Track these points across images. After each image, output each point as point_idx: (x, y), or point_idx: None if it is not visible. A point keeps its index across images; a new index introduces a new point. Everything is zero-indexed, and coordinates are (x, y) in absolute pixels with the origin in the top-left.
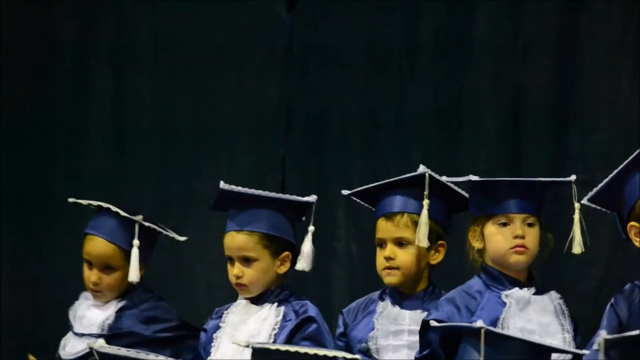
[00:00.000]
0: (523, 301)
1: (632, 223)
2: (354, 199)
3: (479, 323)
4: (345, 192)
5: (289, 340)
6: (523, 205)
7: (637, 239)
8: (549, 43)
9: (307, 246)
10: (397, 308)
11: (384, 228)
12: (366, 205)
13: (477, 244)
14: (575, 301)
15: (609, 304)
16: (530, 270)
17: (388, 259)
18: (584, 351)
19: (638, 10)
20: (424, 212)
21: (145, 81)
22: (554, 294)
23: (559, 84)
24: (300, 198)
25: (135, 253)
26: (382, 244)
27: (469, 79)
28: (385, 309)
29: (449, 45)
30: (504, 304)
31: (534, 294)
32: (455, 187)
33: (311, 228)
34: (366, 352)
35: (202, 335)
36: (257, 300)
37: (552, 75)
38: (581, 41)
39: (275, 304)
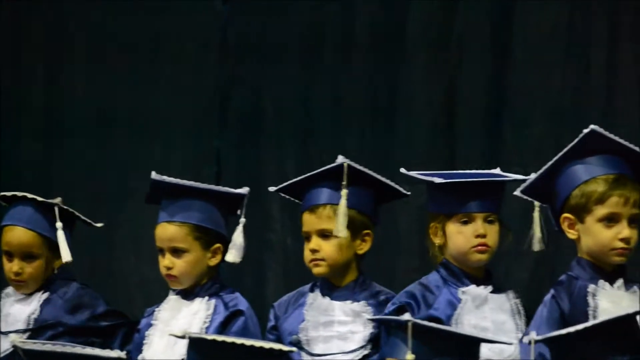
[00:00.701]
0: (480, 298)
1: (566, 215)
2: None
3: (407, 316)
4: (272, 188)
5: (219, 333)
6: (484, 204)
7: (571, 231)
8: (482, 37)
9: (238, 238)
10: (327, 299)
11: (308, 221)
12: (296, 200)
13: (437, 241)
14: None
15: (549, 295)
16: (488, 267)
17: (313, 251)
18: (511, 340)
19: (569, 5)
20: (342, 202)
21: (79, 73)
22: (511, 294)
23: (492, 77)
24: (231, 190)
25: (61, 234)
26: (307, 236)
27: (403, 72)
28: (315, 300)
29: (384, 38)
30: (460, 300)
31: (492, 292)
32: (380, 177)
33: (242, 220)
34: (297, 344)
35: (136, 335)
36: (188, 294)
37: (485, 69)
38: (514, 35)
39: (206, 297)
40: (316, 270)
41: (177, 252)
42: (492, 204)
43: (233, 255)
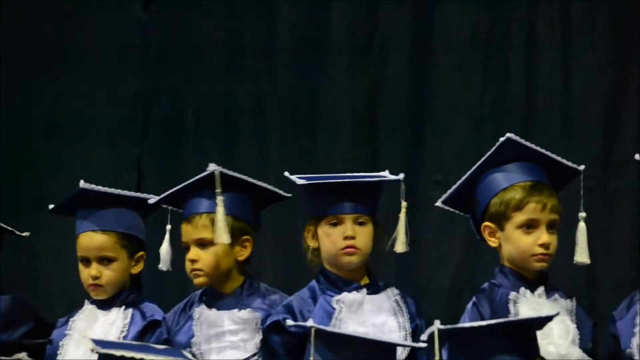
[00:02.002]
0: (356, 304)
1: (486, 223)
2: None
3: (310, 322)
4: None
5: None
6: (353, 205)
7: (492, 239)
8: (404, 43)
9: (165, 246)
10: (213, 311)
11: (186, 231)
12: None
13: (312, 244)
14: (428, 299)
15: (471, 303)
16: (369, 268)
17: (192, 261)
18: (421, 344)
19: (489, 13)
20: (219, 210)
21: None
22: (391, 291)
23: (413, 83)
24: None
25: None
26: (186, 247)
27: (325, 78)
28: (202, 314)
29: (306, 44)
30: (334, 309)
31: (371, 293)
32: (255, 181)
33: (168, 227)
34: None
35: (48, 347)
36: (105, 304)
37: (407, 75)
38: (435, 41)
39: (123, 307)
40: (197, 281)
41: (104, 261)
42: (362, 205)
43: (162, 263)
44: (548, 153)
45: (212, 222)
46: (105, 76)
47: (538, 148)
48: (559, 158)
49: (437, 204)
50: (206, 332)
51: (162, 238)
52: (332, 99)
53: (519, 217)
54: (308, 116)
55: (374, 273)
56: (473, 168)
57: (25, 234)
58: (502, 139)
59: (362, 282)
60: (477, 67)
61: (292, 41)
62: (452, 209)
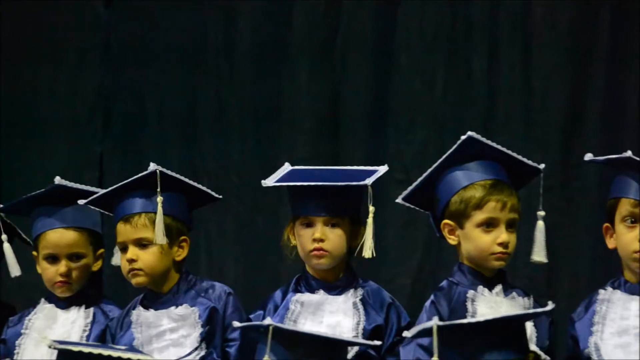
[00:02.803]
0: (313, 304)
1: (446, 221)
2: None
3: (268, 320)
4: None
5: (100, 342)
6: (323, 208)
7: (451, 237)
8: (366, 42)
9: None
10: (150, 311)
11: (124, 231)
12: (104, 211)
13: (293, 242)
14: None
15: (429, 301)
16: (346, 268)
17: (131, 261)
18: (375, 342)
19: (451, 13)
20: (159, 210)
21: None
22: (353, 292)
23: (375, 83)
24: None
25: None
26: (124, 247)
27: (287, 77)
28: (140, 316)
29: (267, 43)
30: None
31: (336, 293)
32: (192, 182)
33: None
34: None
35: (2, 347)
36: (64, 302)
37: (368, 75)
38: (397, 40)
39: (84, 306)
40: (135, 281)
41: (74, 257)
42: (333, 207)
43: (116, 259)
44: (509, 152)
45: (152, 221)
46: (66, 73)
47: (499, 146)
48: (519, 157)
49: (397, 200)
50: (146, 333)
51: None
52: (294, 98)
53: (479, 216)
54: (269, 115)
55: (351, 273)
56: (434, 165)
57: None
58: (463, 137)
59: (335, 282)
60: (438, 66)
61: (253, 40)
62: (412, 206)
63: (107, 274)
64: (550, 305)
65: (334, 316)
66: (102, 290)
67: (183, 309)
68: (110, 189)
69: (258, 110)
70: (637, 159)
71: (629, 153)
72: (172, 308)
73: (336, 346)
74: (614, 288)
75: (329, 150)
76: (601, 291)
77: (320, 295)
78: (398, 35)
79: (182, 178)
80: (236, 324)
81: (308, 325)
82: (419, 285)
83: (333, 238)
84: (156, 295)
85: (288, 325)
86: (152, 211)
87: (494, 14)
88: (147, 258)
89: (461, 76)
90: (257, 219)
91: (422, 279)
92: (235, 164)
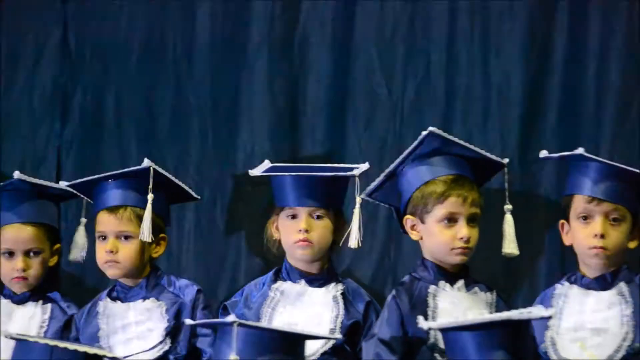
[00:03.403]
0: (293, 294)
1: (408, 216)
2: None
3: (231, 317)
4: (63, 183)
5: (59, 338)
6: (308, 199)
7: (413, 232)
8: (325, 37)
9: (80, 237)
10: (118, 303)
11: (107, 221)
12: (85, 197)
13: (276, 235)
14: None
15: (390, 296)
16: (328, 262)
17: (110, 252)
18: (337, 336)
19: (410, 8)
20: (149, 207)
21: None
22: (334, 286)
23: (335, 79)
24: (73, 190)
25: None
26: (104, 236)
27: (246, 73)
28: (106, 307)
29: (225, 39)
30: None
31: (317, 285)
32: (177, 181)
33: (83, 220)
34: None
35: None
36: (20, 298)
37: (328, 71)
38: (355, 36)
39: (40, 301)
40: (111, 272)
41: (31, 253)
42: (319, 199)
43: (74, 255)
44: (472, 147)
45: (137, 216)
46: (24, 67)
47: (460, 141)
48: (483, 152)
49: (361, 196)
50: (112, 325)
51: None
52: (253, 94)
53: (440, 211)
54: (228, 111)
55: (332, 266)
56: (396, 161)
57: None
58: (424, 132)
59: (317, 274)
60: (398, 61)
61: (212, 35)
62: (376, 202)
63: (64, 269)
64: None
65: (313, 307)
66: (59, 285)
67: (150, 303)
68: (99, 176)
69: (217, 106)
70: (589, 155)
71: (580, 150)
72: (140, 301)
73: (299, 340)
74: (570, 283)
75: (289, 145)
76: (558, 286)
77: (302, 285)
78: (357, 31)
79: (171, 177)
80: (188, 321)
81: (286, 314)
82: (379, 280)
83: (318, 229)
84: (125, 288)
85: (271, 322)
86: (137, 205)
87: (453, 8)
88: (127, 252)
89: (420, 71)
90: (215, 214)
91: (381, 274)
92: (194, 160)
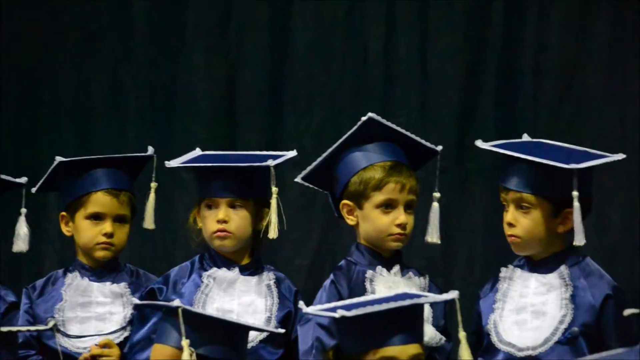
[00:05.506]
0: (226, 281)
1: (345, 201)
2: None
3: (176, 302)
4: (59, 158)
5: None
6: (226, 190)
7: (350, 217)
8: (262, 23)
9: (22, 228)
10: (85, 280)
11: (107, 202)
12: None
13: (199, 224)
14: (290, 277)
15: (328, 280)
16: (254, 250)
17: (110, 235)
18: (279, 330)
19: None
20: (152, 195)
21: None
22: (266, 274)
23: (272, 64)
24: (10, 178)
25: None
26: (100, 217)
27: (183, 60)
28: (74, 280)
29: (162, 26)
30: (202, 283)
31: (248, 274)
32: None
33: (23, 210)
34: (53, 327)
35: None
36: None
37: (265, 55)
38: (293, 22)
39: None
40: (104, 254)
41: None
42: (237, 189)
43: (18, 246)
44: (407, 133)
45: (129, 200)
46: None
47: (398, 128)
48: (417, 138)
49: (297, 179)
50: (74, 299)
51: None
52: (190, 81)
53: (378, 197)
54: (166, 97)
55: (258, 255)
56: (334, 145)
57: None
58: (363, 118)
59: (243, 263)
60: (336, 48)
61: (149, 23)
62: (311, 186)
63: (3, 259)
64: (451, 294)
65: (247, 295)
66: None
67: (117, 287)
68: (94, 157)
69: (154, 93)
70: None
71: (480, 145)
72: (108, 283)
73: (241, 331)
74: (514, 266)
75: (226, 132)
76: (503, 269)
77: (235, 273)
78: (295, 17)
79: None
80: (135, 300)
81: (218, 301)
82: (317, 266)
83: (236, 219)
84: (92, 266)
85: (196, 308)
86: (129, 190)
87: None
88: (121, 235)
89: (358, 58)
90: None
91: (320, 260)
92: (131, 147)
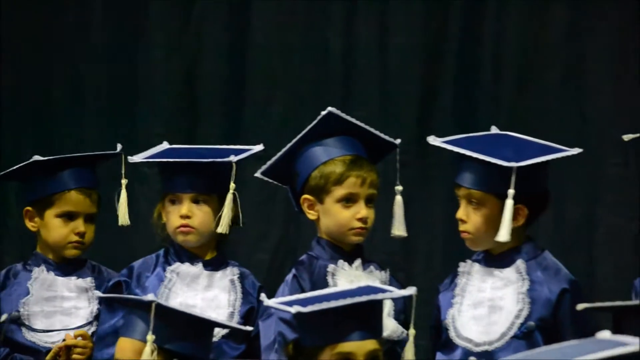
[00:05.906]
0: (190, 276)
1: (306, 196)
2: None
3: (151, 296)
4: (36, 157)
5: None
6: (188, 185)
7: (310, 212)
8: (222, 17)
9: None
10: (51, 274)
11: (80, 201)
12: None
13: (164, 218)
14: (250, 272)
15: (290, 275)
16: (219, 245)
17: (82, 234)
18: (247, 328)
19: None
20: (124, 192)
21: None
22: (230, 270)
23: (232, 58)
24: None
25: None
26: (73, 216)
27: (142, 54)
28: (40, 274)
29: (122, 19)
30: (165, 278)
31: (211, 269)
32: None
33: None
34: (17, 320)
35: None
36: None
37: (225, 49)
38: (253, 16)
39: None
40: (74, 252)
41: None
42: (200, 184)
43: None
44: (367, 127)
45: (98, 198)
46: None
47: (358, 122)
48: (376, 132)
49: (256, 174)
50: (39, 292)
51: None
52: (149, 75)
53: (339, 191)
54: (125, 91)
55: (223, 250)
56: (294, 140)
57: None
58: (323, 112)
59: (207, 258)
60: (296, 42)
61: (108, 16)
62: (271, 180)
63: None
64: (409, 290)
65: (210, 290)
66: None
67: (82, 282)
68: (79, 154)
69: (113, 87)
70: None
71: (431, 141)
72: (73, 278)
73: (208, 326)
74: (473, 261)
75: (186, 126)
76: (462, 263)
77: (199, 268)
78: (254, 11)
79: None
80: (98, 293)
81: (181, 296)
82: (278, 261)
83: (199, 215)
84: (58, 261)
85: (168, 303)
86: (97, 188)
87: None
88: (90, 233)
89: (318, 52)
90: (113, 195)
91: (280, 255)
92: (91, 142)
